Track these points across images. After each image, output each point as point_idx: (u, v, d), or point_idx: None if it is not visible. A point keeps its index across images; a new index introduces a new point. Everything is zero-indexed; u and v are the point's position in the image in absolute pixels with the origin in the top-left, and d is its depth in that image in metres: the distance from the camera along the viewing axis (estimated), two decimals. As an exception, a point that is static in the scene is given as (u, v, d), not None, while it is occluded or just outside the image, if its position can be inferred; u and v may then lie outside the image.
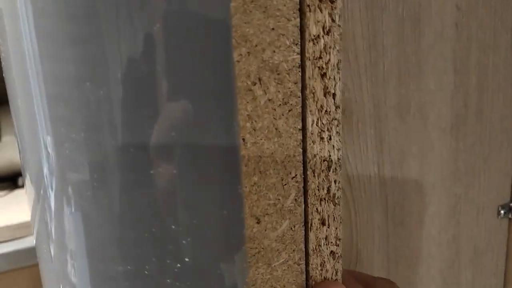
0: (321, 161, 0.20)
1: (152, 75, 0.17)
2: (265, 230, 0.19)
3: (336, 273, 0.22)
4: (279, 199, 0.19)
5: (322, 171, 0.20)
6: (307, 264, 0.20)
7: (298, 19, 0.18)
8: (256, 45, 0.18)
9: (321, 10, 0.19)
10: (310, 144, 0.19)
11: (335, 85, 0.20)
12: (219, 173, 0.16)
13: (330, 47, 0.19)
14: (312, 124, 0.19)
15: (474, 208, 0.33)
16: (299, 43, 0.19)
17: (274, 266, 0.20)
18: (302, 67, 0.19)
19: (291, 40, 0.18)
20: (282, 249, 0.20)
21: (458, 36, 0.29)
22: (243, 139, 0.18)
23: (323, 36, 0.19)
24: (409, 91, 0.28)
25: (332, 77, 0.20)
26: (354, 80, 0.26)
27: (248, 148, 0.18)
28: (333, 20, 0.19)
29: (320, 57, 0.19)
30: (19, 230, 0.53)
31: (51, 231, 0.19)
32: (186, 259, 0.16)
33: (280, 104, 0.19)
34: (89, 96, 0.17)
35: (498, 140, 0.33)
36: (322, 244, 0.21)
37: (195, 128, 0.16)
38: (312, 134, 0.19)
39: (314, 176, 0.20)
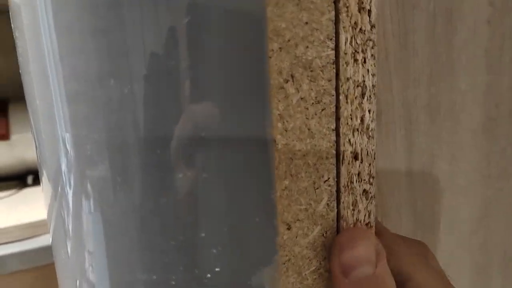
0: (354, 86, 0.18)
1: (179, 71, 0.16)
2: (296, 237, 0.18)
3: (369, 215, 0.20)
4: (310, 204, 0.18)
5: (356, 97, 0.18)
6: (338, 203, 0.19)
7: (333, 13, 0.17)
8: (288, 40, 0.16)
9: None
10: (343, 65, 0.17)
11: (370, 1, 0.18)
12: (250, 177, 0.15)
13: None
14: (345, 43, 0.17)
15: (505, 213, 0.31)
16: (334, 38, 0.17)
17: (305, 274, 0.19)
18: None
19: (325, 35, 0.17)
20: (313, 257, 0.19)
21: (491, 34, 0.28)
22: (274, 141, 0.17)
23: None
24: (440, 91, 0.27)
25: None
26: (384, 79, 0.25)
27: (279, 150, 0.17)
28: None
29: None
30: (29, 230, 0.52)
31: (68, 228, 0.18)
32: (216, 269, 0.15)
33: (313, 103, 0.17)
34: (111, 93, 0.16)
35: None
36: (354, 181, 0.19)
37: (225, 129, 0.15)
38: (345, 54, 0.17)
39: (347, 102, 0.18)
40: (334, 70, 0.18)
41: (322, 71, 0.17)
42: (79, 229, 0.18)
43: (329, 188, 0.18)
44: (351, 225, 0.19)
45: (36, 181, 0.63)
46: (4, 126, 0.60)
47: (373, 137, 0.19)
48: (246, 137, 0.15)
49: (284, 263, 0.18)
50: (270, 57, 0.16)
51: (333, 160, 0.18)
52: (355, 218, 0.19)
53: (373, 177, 0.19)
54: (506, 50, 0.29)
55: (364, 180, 0.19)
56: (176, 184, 0.15)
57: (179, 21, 0.16)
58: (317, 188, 0.18)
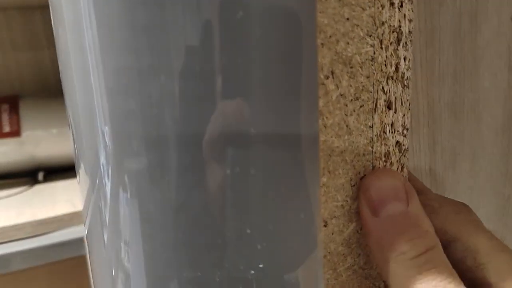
0: (390, 31, 0.17)
1: (221, 68, 0.16)
2: (332, 234, 0.18)
3: (402, 168, 0.19)
4: (347, 201, 0.18)
5: (391, 43, 0.17)
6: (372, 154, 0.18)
7: (373, 9, 0.17)
8: (330, 36, 0.17)
9: None
10: (378, 8, 0.17)
11: None
12: (297, 172, 0.15)
13: None
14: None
15: (523, 212, 0.31)
16: (373, 35, 0.17)
17: (339, 271, 0.19)
18: None
19: (365, 31, 0.17)
20: (347, 253, 0.19)
21: (515, 32, 0.28)
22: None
23: None
24: (464, 89, 0.27)
25: None
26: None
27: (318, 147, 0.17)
28: None
29: None
30: (41, 226, 0.52)
31: (105, 219, 0.18)
32: (260, 265, 0.15)
33: (351, 100, 0.17)
34: (151, 88, 0.16)
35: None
36: (387, 131, 0.18)
37: (271, 124, 0.15)
38: None
39: (381, 47, 0.17)
40: (373, 67, 0.18)
41: (361, 67, 0.17)
42: (116, 220, 0.18)
43: (365, 184, 0.18)
44: None
45: (47, 178, 0.63)
46: (16, 123, 0.60)
47: (408, 87, 0.18)
48: (292, 133, 0.15)
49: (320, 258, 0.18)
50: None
51: (370, 157, 0.18)
52: None
53: (407, 129, 0.19)
54: (529, 49, 0.29)
55: (398, 131, 0.18)
56: (222, 180, 0.15)
57: (222, 16, 0.16)
58: (354, 185, 0.18)
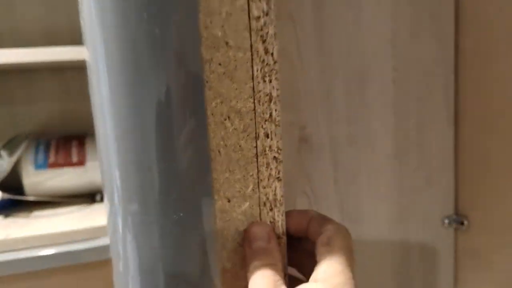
0: (264, 95, 0.30)
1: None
2: (234, 207, 0.32)
3: (279, 172, 0.31)
4: (242, 188, 0.32)
5: (265, 102, 0.30)
6: (258, 187, 0.31)
7: (253, 83, 0.32)
8: (226, 98, 0.31)
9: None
10: (256, 83, 0.30)
11: (273, 48, 0.30)
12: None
13: (268, 23, 0.29)
14: (257, 71, 0.30)
15: (419, 219, 0.43)
16: (253, 97, 0.32)
17: (240, 230, 0.32)
18: (250, 35, 0.29)
19: (248, 95, 0.32)
20: (244, 220, 0.32)
21: (396, 89, 0.41)
22: (219, 151, 0.31)
23: (263, 16, 0.29)
24: (358, 128, 0.40)
25: (270, 42, 0.29)
26: (312, 117, 0.39)
27: (221, 156, 0.31)
28: (269, 7, 0.29)
29: (261, 29, 0.29)
30: (96, 231, 0.70)
31: (119, 249, 0.32)
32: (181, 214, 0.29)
33: (242, 131, 0.32)
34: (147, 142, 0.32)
35: (439, 166, 0.43)
36: (267, 150, 0.31)
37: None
38: (257, 77, 0.30)
39: (259, 104, 0.30)
40: (255, 114, 0.32)
41: (246, 114, 0.32)
42: (125, 255, 0.32)
43: (254, 179, 0.32)
44: (266, 179, 0.32)
45: (103, 199, 0.82)
46: (82, 155, 0.79)
47: (279, 126, 0.31)
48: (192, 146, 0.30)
49: (226, 221, 0.32)
50: (215, 106, 0.31)
51: (256, 165, 0.32)
52: (268, 173, 0.32)
53: (280, 149, 0.31)
54: (410, 100, 0.42)
55: (274, 150, 0.31)
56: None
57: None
58: (246, 180, 0.32)
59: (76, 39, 0.85)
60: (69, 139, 0.81)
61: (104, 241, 0.68)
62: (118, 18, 0.28)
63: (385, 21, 0.39)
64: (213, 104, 0.31)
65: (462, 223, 0.43)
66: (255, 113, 0.32)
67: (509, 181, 0.40)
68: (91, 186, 0.80)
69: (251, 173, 0.33)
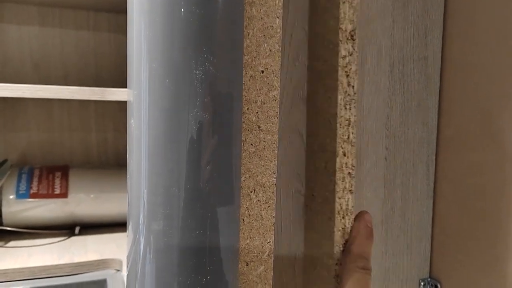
0: (344, 120, 0.36)
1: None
2: (251, 270, 0.36)
3: (352, 185, 0.37)
4: (259, 254, 0.36)
5: (345, 125, 0.36)
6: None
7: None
8: (253, 173, 0.35)
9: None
10: (339, 110, 0.36)
11: (354, 81, 0.36)
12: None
13: (352, 62, 0.36)
14: (340, 99, 0.36)
15: (399, 280, 0.48)
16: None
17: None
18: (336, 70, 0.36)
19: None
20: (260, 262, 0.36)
21: (387, 165, 0.47)
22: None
23: (349, 56, 0.36)
24: (353, 197, 0.45)
25: (352, 77, 0.36)
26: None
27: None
28: (353, 49, 0.36)
29: (346, 66, 0.36)
30: (77, 268, 0.70)
31: (137, 273, 0.36)
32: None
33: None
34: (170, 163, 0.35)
35: (418, 234, 0.49)
36: (343, 167, 0.36)
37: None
38: (340, 104, 0.35)
39: (341, 127, 0.36)
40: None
41: (269, 187, 0.36)
42: (143, 278, 0.36)
43: (270, 246, 0.36)
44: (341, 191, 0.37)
45: (82, 232, 0.82)
46: (65, 187, 0.79)
47: (354, 146, 0.36)
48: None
49: (243, 283, 0.35)
50: (244, 180, 0.35)
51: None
52: (343, 186, 0.36)
53: (354, 166, 0.36)
54: (398, 175, 0.47)
55: (348, 167, 0.36)
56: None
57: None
58: (263, 246, 0.36)
59: (68, 76, 0.86)
60: (53, 169, 0.81)
61: (83, 277, 0.69)
62: (170, 102, 0.32)
63: (383, 108, 0.44)
64: (243, 178, 0.36)
65: (436, 286, 0.48)
66: (336, 135, 0.37)
67: (479, 255, 0.47)
68: (72, 218, 0.80)
69: (268, 241, 0.37)
